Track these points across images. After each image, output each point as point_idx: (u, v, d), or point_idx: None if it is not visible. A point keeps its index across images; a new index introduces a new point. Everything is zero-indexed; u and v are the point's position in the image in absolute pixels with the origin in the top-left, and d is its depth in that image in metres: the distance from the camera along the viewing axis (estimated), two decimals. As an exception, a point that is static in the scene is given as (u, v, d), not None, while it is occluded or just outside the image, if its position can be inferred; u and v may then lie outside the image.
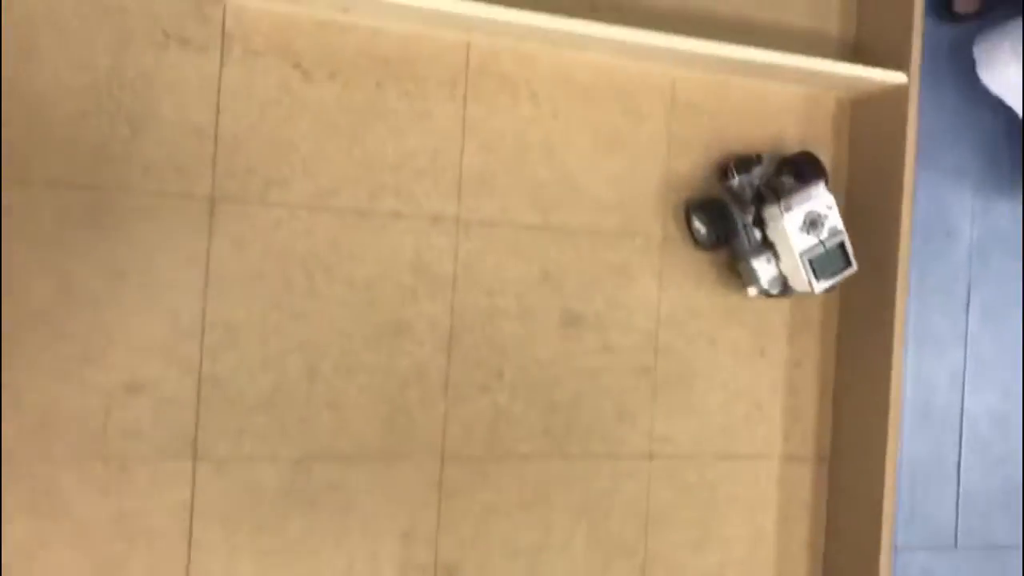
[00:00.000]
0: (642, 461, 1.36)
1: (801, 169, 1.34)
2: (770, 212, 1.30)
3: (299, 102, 1.20)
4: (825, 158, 1.44)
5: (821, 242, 1.29)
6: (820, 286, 1.30)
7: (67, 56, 1.10)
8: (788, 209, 1.28)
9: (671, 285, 1.38)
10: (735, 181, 1.32)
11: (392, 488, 1.24)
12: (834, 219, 1.30)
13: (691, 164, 1.38)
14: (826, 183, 1.33)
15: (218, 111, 1.16)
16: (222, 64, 1.16)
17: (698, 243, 1.36)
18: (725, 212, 1.33)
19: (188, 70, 1.15)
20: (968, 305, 1.61)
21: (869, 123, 1.44)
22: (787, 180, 1.33)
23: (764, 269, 1.32)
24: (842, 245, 1.31)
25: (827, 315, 1.47)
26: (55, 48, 1.10)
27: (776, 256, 1.32)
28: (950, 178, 1.61)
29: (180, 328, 1.15)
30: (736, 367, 1.41)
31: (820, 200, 1.30)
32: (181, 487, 1.15)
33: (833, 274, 1.31)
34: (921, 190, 1.55)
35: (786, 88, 1.43)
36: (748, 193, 1.32)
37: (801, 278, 1.30)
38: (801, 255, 1.29)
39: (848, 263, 1.32)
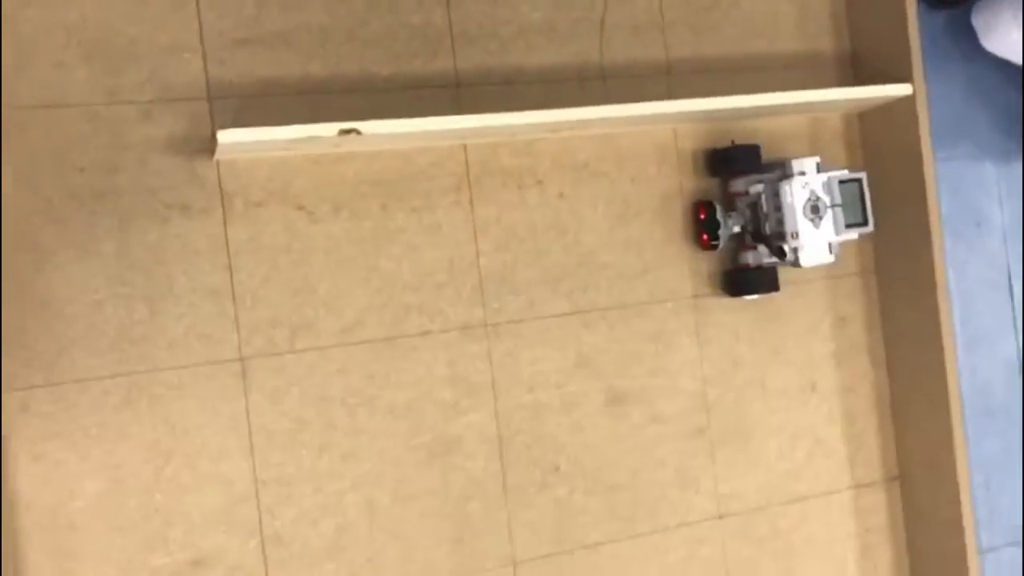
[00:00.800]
0: (713, 523, 1.35)
1: (736, 168, 1.32)
2: (788, 251, 1.29)
3: (308, 243, 1.18)
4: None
5: (833, 206, 1.27)
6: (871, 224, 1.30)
7: (72, 254, 1.09)
8: (795, 234, 1.26)
9: (710, 341, 1.35)
10: (722, 241, 1.31)
11: (471, 605, 1.23)
12: (815, 180, 1.27)
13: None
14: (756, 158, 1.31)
15: (231, 270, 1.15)
16: (226, 222, 1.15)
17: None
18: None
19: (194, 236, 1.14)
20: (1011, 291, 1.58)
21: (880, 134, 1.41)
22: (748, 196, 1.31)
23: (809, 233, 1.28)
24: (842, 183, 1.28)
25: (872, 335, 1.44)
26: (61, 244, 1.09)
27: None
28: (970, 167, 1.57)
29: (234, 494, 1.14)
30: (789, 407, 1.39)
31: (797, 193, 1.26)
32: (264, 650, 1.14)
33: (862, 204, 1.30)
34: (943, 184, 1.51)
35: (790, 119, 1.40)
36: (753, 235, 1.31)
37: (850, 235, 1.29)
38: (836, 234, 1.28)
39: (859, 184, 1.30)
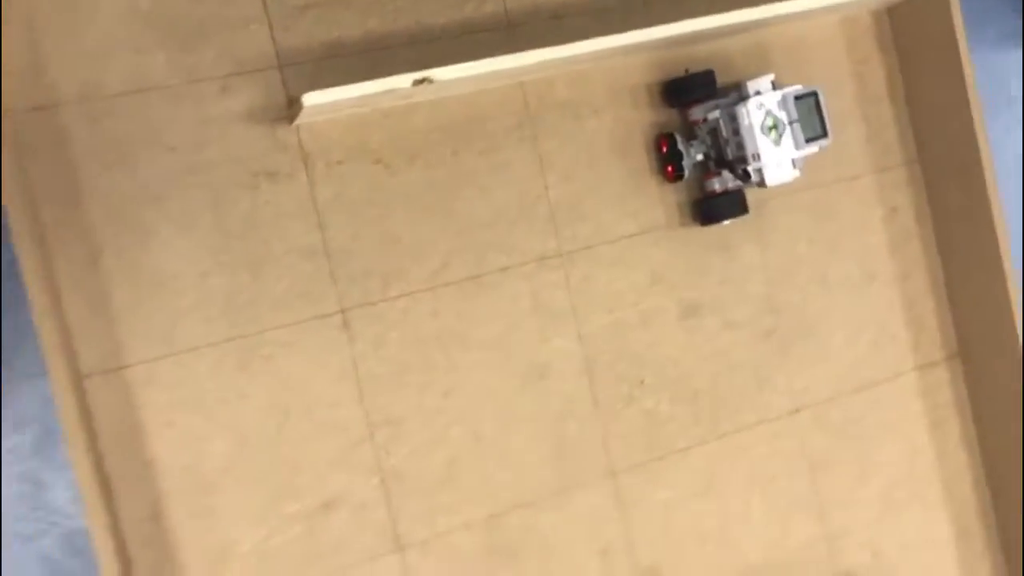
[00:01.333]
0: (790, 418, 1.42)
1: (694, 95, 1.32)
2: (749, 173, 1.30)
3: (389, 194, 1.24)
4: (879, 76, 1.46)
5: (791, 123, 1.28)
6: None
7: (173, 230, 1.14)
8: (755, 155, 1.27)
9: (770, 245, 1.41)
10: (687, 171, 1.32)
11: (579, 515, 1.31)
12: (770, 99, 1.27)
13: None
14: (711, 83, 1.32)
15: (321, 228, 1.20)
16: (311, 183, 1.20)
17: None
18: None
19: (283, 200, 1.19)
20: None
21: (912, 27, 1.45)
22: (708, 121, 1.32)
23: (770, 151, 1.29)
24: (798, 98, 1.28)
25: (922, 222, 1.50)
26: (161, 220, 1.14)
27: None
28: (998, 47, 1.61)
29: (351, 438, 1.21)
30: (851, 299, 1.46)
31: (752, 114, 1.26)
32: (396, 578, 1.23)
33: (819, 115, 1.30)
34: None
35: (819, 22, 1.44)
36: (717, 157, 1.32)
37: (812, 149, 1.29)
38: (798, 151, 1.28)
39: (815, 98, 1.30)
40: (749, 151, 1.28)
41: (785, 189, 1.41)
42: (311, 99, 1.09)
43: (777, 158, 1.28)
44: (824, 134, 1.31)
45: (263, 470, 1.18)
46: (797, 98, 1.29)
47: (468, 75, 1.16)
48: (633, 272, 1.34)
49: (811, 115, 1.30)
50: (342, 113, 1.20)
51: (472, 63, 1.16)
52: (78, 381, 1.05)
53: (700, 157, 1.33)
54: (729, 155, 1.31)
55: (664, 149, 1.33)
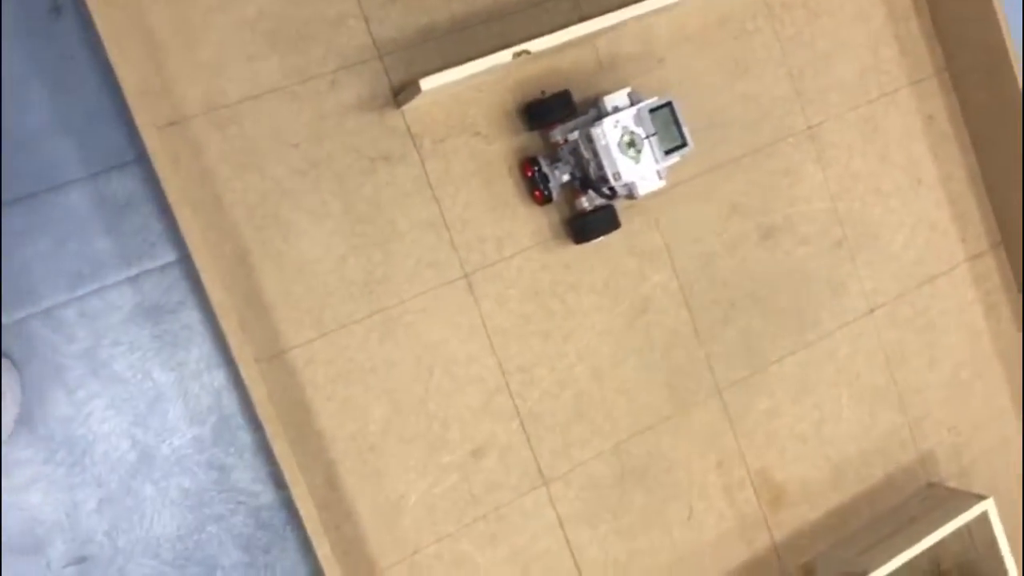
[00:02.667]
0: (866, 318, 1.55)
1: (548, 117, 1.31)
2: (607, 190, 1.30)
3: (491, 162, 1.33)
4: (905, -7, 1.57)
5: (648, 137, 1.27)
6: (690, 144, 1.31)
7: (309, 221, 1.23)
8: (616, 175, 1.26)
9: (828, 163, 1.53)
10: (554, 194, 1.31)
11: (694, 433, 1.43)
12: (627, 116, 1.27)
13: (806, 55, 1.51)
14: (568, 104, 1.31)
15: (437, 201, 1.30)
16: (422, 162, 1.29)
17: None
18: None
19: (400, 180, 1.28)
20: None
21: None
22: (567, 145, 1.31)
23: (629, 168, 1.28)
24: (653, 111, 1.28)
25: (956, 126, 1.62)
26: (296, 213, 1.23)
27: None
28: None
29: (489, 389, 1.32)
30: (905, 203, 1.58)
31: (607, 135, 1.26)
32: (546, 510, 1.34)
33: (677, 128, 1.30)
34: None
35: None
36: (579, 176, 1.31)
37: (671, 160, 1.30)
38: (659, 164, 1.28)
39: (670, 107, 1.30)
40: (609, 171, 1.27)
41: (836, 110, 1.52)
42: (427, 83, 1.18)
43: (640, 173, 1.27)
44: (684, 143, 1.29)
45: (417, 428, 1.28)
46: (652, 111, 1.28)
47: (559, 43, 1.25)
48: (712, 205, 1.45)
49: (668, 126, 1.28)
50: (442, 93, 1.29)
51: (562, 32, 1.25)
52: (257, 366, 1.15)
53: (566, 178, 1.30)
54: (592, 175, 1.29)
55: (529, 174, 1.31)
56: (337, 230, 1.25)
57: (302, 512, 1.12)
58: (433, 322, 1.29)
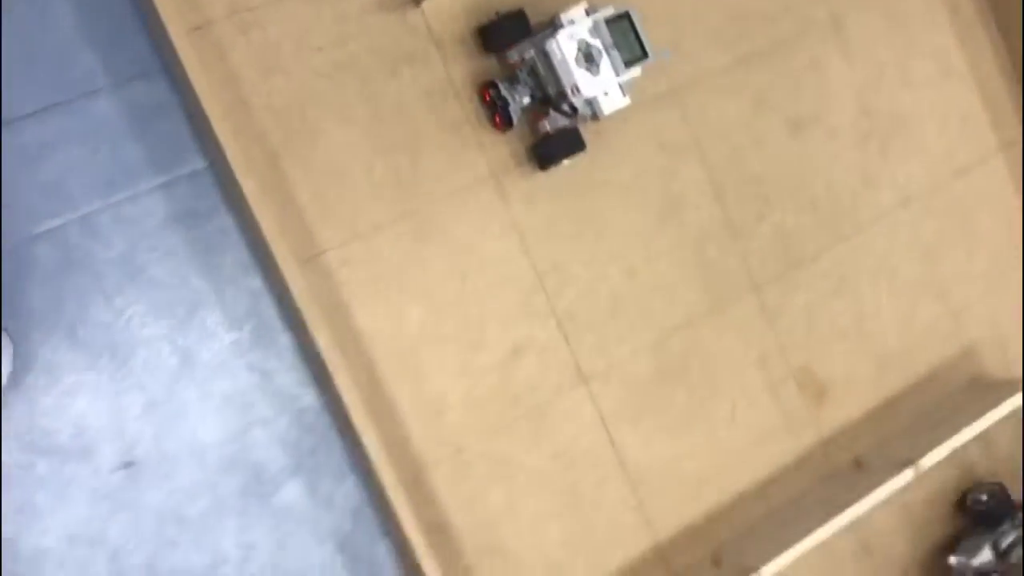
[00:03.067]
0: (900, 210, 1.53)
1: (508, 38, 1.26)
2: (569, 104, 1.24)
3: (513, 61, 1.32)
4: None
5: (607, 50, 1.22)
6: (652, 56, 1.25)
7: (336, 126, 1.23)
8: (573, 88, 1.21)
9: (854, 55, 1.51)
10: (514, 115, 1.26)
11: (732, 329, 1.42)
12: (581, 27, 1.21)
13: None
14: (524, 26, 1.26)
15: (460, 100, 1.30)
16: (444, 61, 1.29)
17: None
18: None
19: (423, 80, 1.28)
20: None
21: None
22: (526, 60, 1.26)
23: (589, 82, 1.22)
24: (610, 21, 1.22)
25: (982, 13, 1.59)
26: (323, 117, 1.23)
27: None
28: None
29: (524, 288, 1.32)
30: (934, 95, 1.56)
31: (562, 49, 1.21)
32: (586, 407, 1.34)
33: (637, 37, 1.24)
34: None
35: None
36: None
37: (632, 73, 1.24)
38: (618, 76, 1.23)
39: (629, 21, 1.24)
40: (567, 85, 1.20)
41: (858, 2, 1.50)
42: (446, -29, 1.17)
43: (600, 87, 1.20)
44: (644, 55, 1.23)
45: (455, 328, 1.28)
46: (608, 22, 1.22)
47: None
48: (738, 99, 1.44)
49: (627, 36, 1.23)
50: (458, -10, 1.28)
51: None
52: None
53: (527, 101, 1.25)
54: (551, 94, 1.23)
55: (487, 98, 1.25)
56: (364, 134, 1.25)
57: (346, 401, 1.12)
58: (464, 223, 1.29)
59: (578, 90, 1.21)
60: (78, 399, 1.14)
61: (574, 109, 1.24)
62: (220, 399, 1.19)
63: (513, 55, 1.28)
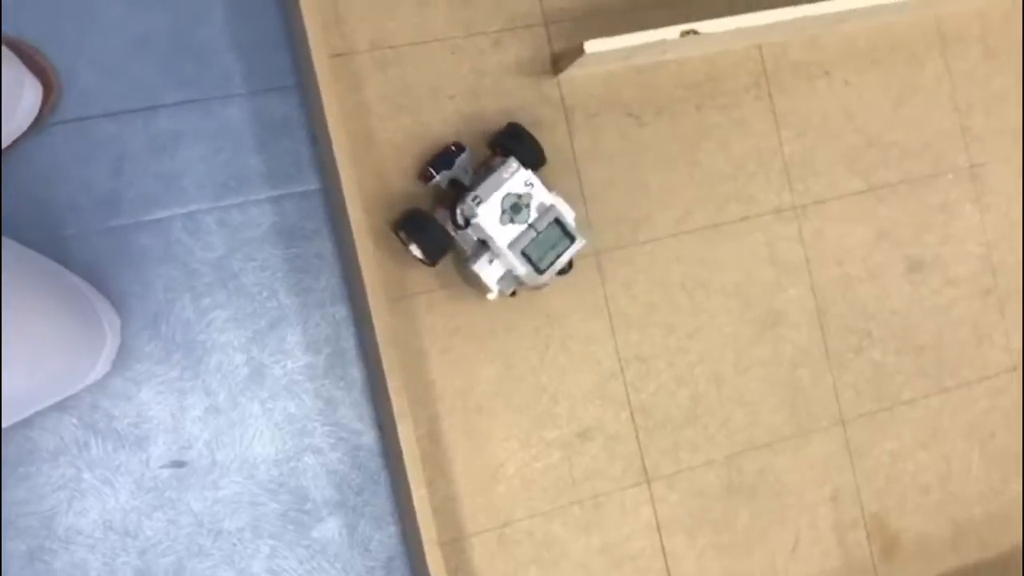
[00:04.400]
0: (1009, 374, 1.45)
1: (507, 146, 1.19)
2: (466, 209, 1.13)
3: (639, 145, 1.31)
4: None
5: (531, 226, 1.14)
6: (547, 275, 1.15)
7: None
8: (479, 201, 1.12)
9: (987, 206, 1.46)
10: (438, 179, 1.17)
11: (810, 460, 1.35)
12: (540, 195, 1.15)
13: (976, 93, 1.45)
14: (533, 157, 1.20)
15: (579, 175, 1.28)
16: (571, 133, 1.28)
17: (427, 262, 1.18)
18: (428, 223, 1.15)
19: (547, 147, 1.26)
20: None
21: None
22: (497, 162, 1.18)
23: (488, 272, 1.15)
24: (559, 223, 1.15)
25: None
26: (442, 164, 1.23)
27: (493, 254, 1.15)
28: None
29: (603, 372, 1.28)
30: (1064, 264, 1.49)
31: (516, 179, 1.14)
32: (645, 508, 1.28)
33: (557, 256, 1.15)
34: None
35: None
36: (449, 192, 1.18)
37: (519, 271, 1.15)
38: (511, 247, 1.13)
39: (571, 237, 1.16)
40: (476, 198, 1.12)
41: (1002, 154, 1.45)
42: (592, 46, 1.17)
43: (502, 239, 1.14)
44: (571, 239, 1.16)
45: (526, 397, 1.25)
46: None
47: (726, 30, 1.24)
48: (861, 227, 1.40)
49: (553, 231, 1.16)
50: (599, 69, 1.29)
51: (733, 18, 1.23)
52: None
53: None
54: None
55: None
56: (478, 185, 1.24)
57: (404, 450, 1.10)
58: (557, 294, 1.27)
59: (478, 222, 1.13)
60: (144, 389, 1.14)
61: (461, 225, 1.15)
62: (281, 418, 1.18)
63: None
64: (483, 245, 1.16)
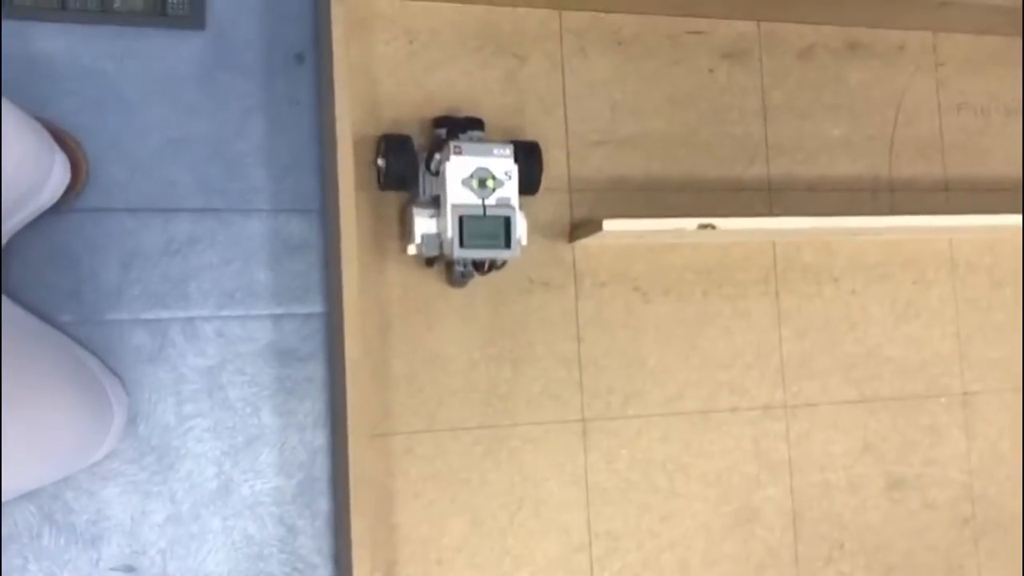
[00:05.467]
0: (977, 609, 1.43)
1: (518, 150, 1.20)
2: (442, 153, 1.16)
3: (642, 320, 1.32)
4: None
5: (483, 204, 1.15)
6: (461, 252, 1.15)
7: (456, 317, 1.24)
8: (458, 152, 1.15)
9: (977, 437, 1.46)
10: (442, 131, 1.21)
11: (765, 666, 1.32)
12: (509, 191, 1.16)
13: (979, 321, 1.47)
14: (531, 177, 1.22)
15: (579, 340, 1.29)
16: (577, 298, 1.30)
17: (379, 181, 1.21)
18: (407, 150, 1.19)
19: (552, 308, 1.28)
20: None
21: None
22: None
23: (421, 223, 1.17)
24: (507, 222, 1.16)
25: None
26: (447, 309, 1.24)
27: (438, 213, 1.17)
28: None
29: (571, 544, 1.26)
30: (1044, 505, 1.48)
31: (500, 163, 1.16)
32: None
33: (484, 246, 1.15)
34: None
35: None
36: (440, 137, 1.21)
37: (447, 235, 1.15)
38: (454, 209, 1.14)
39: (506, 244, 1.16)
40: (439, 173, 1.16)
41: (996, 385, 1.47)
42: (610, 225, 1.20)
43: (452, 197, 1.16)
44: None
45: (489, 558, 1.23)
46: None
47: (743, 228, 1.26)
48: (848, 436, 1.40)
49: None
50: (614, 242, 1.31)
51: (751, 219, 1.27)
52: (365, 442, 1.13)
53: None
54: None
55: None
56: (478, 335, 1.25)
57: (356, 595, 1.07)
58: (538, 455, 1.26)
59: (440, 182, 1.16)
60: (110, 486, 1.13)
61: (431, 171, 1.18)
62: (240, 538, 1.16)
63: None
64: (434, 202, 1.18)
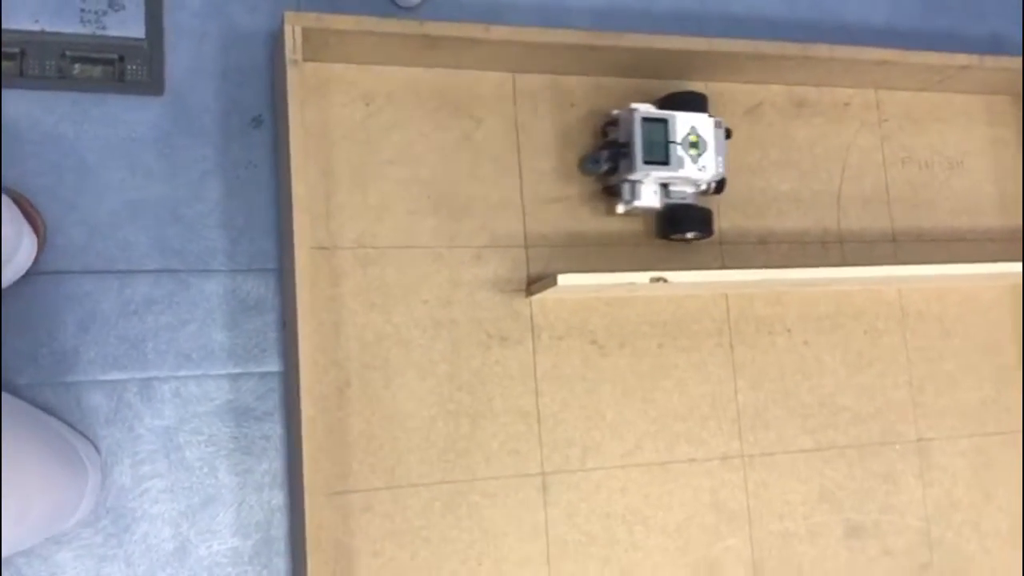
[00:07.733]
0: (938, 656, 1.44)
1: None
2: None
3: (599, 373, 1.34)
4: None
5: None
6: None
7: (414, 373, 1.25)
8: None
9: (932, 483, 1.48)
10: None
11: None
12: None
13: (930, 370, 1.50)
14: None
15: (537, 394, 1.31)
16: (535, 352, 1.31)
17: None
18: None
19: (509, 363, 1.30)
20: None
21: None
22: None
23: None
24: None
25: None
26: (405, 365, 1.25)
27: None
28: None
29: (532, 598, 1.26)
30: (1003, 549, 1.50)
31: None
32: None
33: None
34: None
35: (996, 282, 1.56)
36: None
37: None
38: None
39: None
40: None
41: (949, 433, 1.49)
42: (565, 280, 1.22)
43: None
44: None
45: (450, 614, 1.23)
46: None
47: (694, 281, 1.29)
48: (805, 485, 1.42)
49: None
50: (570, 296, 1.33)
51: (702, 272, 1.29)
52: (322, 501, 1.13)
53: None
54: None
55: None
56: (436, 391, 1.26)
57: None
58: (498, 510, 1.27)
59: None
60: (64, 550, 1.12)
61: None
62: (196, 601, 1.15)
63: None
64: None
